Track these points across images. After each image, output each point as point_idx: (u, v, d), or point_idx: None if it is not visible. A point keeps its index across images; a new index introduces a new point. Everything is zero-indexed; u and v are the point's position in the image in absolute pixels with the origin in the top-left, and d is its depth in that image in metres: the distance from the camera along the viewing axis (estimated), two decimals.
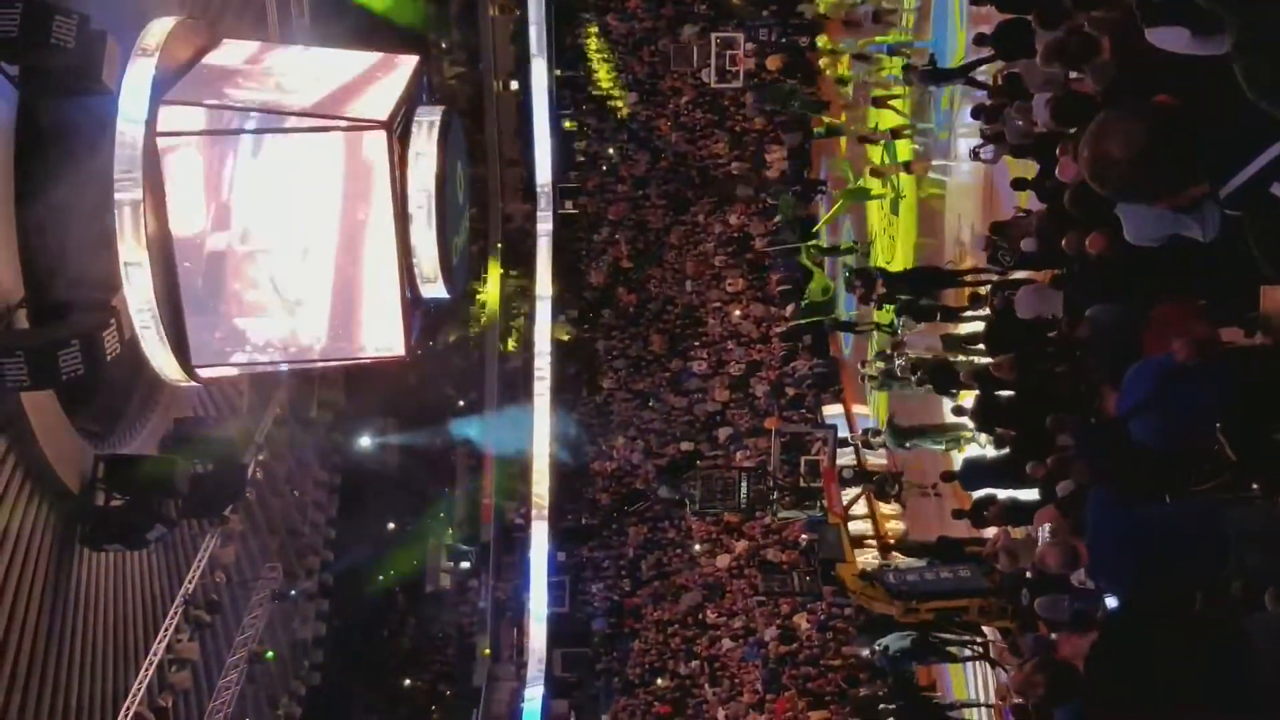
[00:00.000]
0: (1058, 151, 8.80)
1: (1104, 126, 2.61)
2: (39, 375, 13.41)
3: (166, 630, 17.69)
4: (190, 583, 18.56)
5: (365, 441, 28.84)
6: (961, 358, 14.27)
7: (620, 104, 28.68)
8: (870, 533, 17.44)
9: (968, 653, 13.92)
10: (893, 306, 16.27)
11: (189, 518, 18.48)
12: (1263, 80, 2.17)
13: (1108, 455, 6.94)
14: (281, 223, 15.10)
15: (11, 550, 14.60)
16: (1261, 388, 5.43)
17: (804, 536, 23.10)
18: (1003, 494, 11.14)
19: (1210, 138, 2.41)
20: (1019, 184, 12.13)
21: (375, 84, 15.79)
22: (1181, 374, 5.51)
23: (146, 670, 17.06)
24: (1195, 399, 5.46)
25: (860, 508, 18.02)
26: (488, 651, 28.53)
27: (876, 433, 18.06)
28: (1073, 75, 8.37)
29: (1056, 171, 8.96)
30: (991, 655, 13.34)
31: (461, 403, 30.11)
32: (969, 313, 14.56)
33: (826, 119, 24.57)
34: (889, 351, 16.37)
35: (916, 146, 19.07)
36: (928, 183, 18.73)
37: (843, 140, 24.02)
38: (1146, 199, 2.71)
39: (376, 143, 14.44)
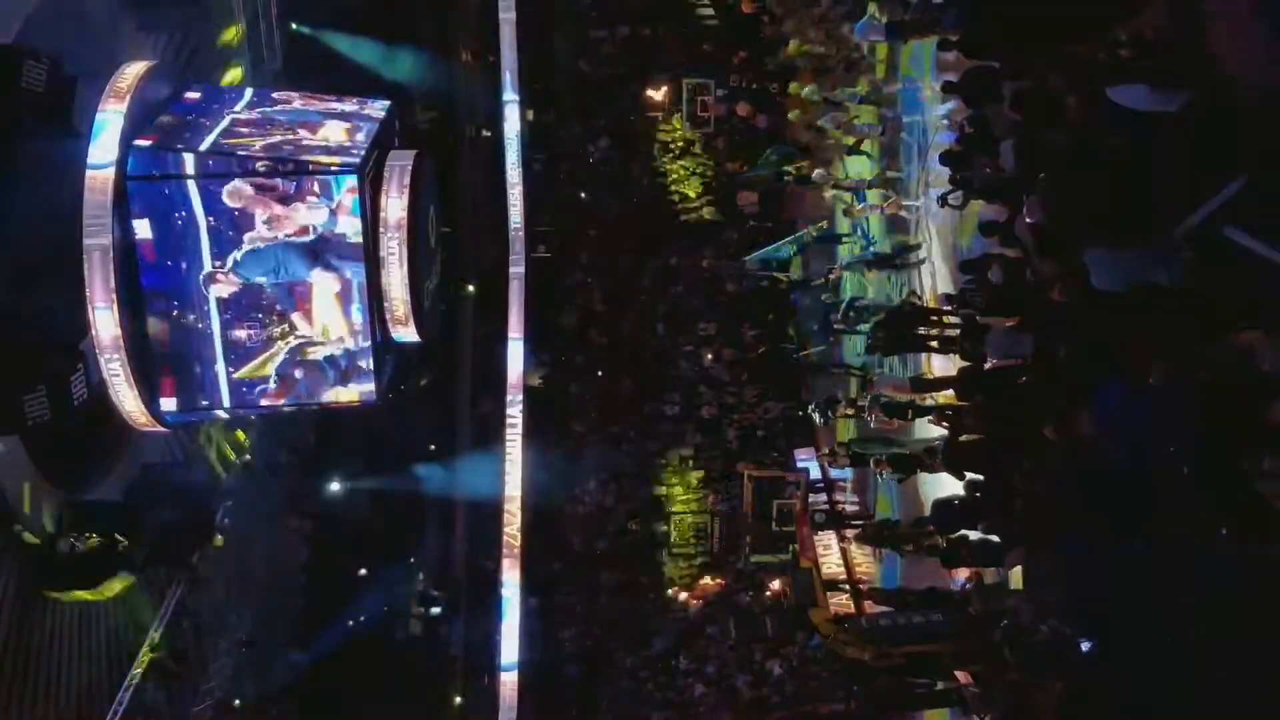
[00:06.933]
0: (1024, 196, 8.88)
1: (1063, 180, 2.64)
2: (4, 420, 13.28)
3: (132, 680, 17.42)
4: (156, 631, 18.29)
5: (335, 486, 28.64)
6: (930, 400, 14.35)
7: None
8: (843, 577, 17.42)
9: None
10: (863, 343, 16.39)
11: (156, 565, 18.25)
12: None
13: (1079, 496, 6.96)
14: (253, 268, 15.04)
15: None
16: (1226, 420, 5.44)
17: (775, 581, 23.04)
18: (975, 536, 11.17)
19: (1164, 184, 2.47)
20: (988, 229, 12.20)
21: (347, 128, 15.82)
22: (1150, 386, 5.51)
23: None
24: (1167, 409, 5.46)
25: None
26: (459, 700, 28.24)
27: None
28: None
29: (1024, 212, 9.03)
30: (965, 699, 13.29)
31: (433, 446, 29.94)
32: (935, 349, 14.65)
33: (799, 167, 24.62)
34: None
35: (886, 192, 19.22)
36: (898, 227, 18.89)
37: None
38: (1109, 245, 2.75)
39: (348, 187, 14.46)
